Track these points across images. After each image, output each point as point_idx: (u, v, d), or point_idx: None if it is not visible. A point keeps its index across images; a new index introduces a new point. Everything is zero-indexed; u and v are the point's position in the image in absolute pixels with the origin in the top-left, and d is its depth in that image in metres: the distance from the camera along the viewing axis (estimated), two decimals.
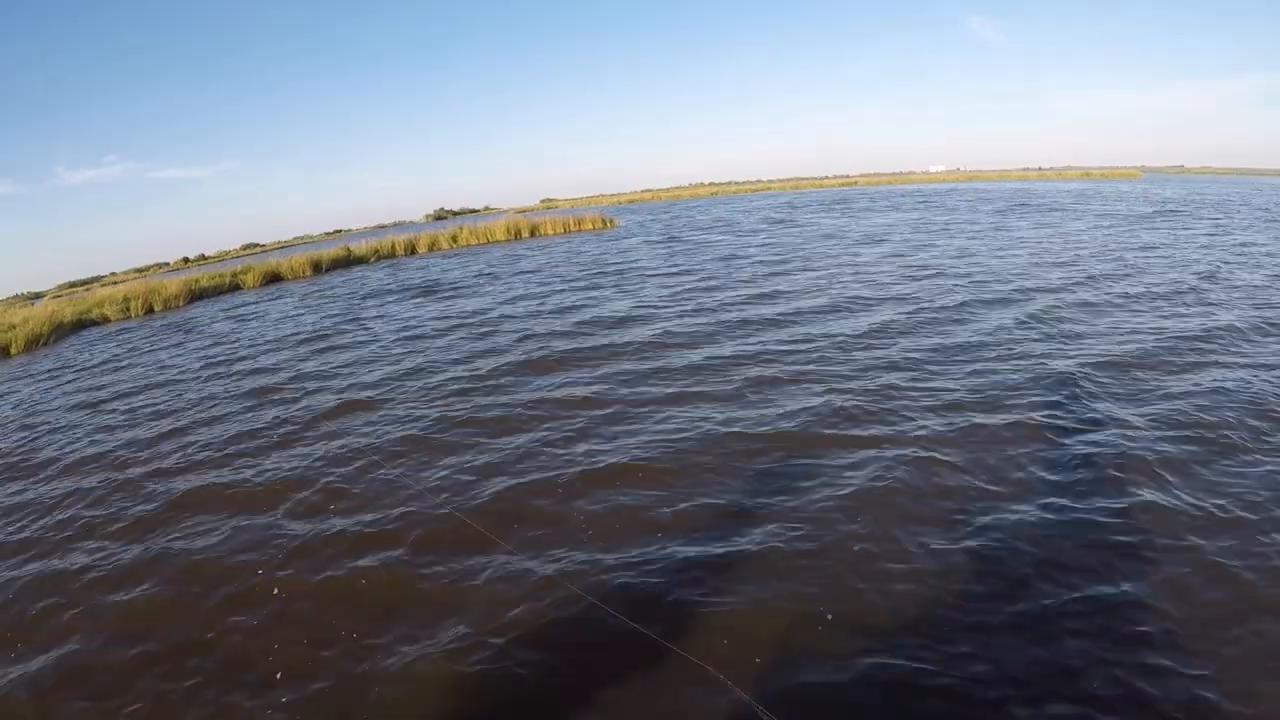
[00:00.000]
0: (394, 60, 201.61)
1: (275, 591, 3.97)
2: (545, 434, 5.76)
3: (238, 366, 10.17)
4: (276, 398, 8.08)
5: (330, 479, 5.39)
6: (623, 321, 9.61)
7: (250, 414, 7.59)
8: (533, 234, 31.03)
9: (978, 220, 21.16)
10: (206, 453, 6.51)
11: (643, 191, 75.92)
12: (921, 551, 3.61)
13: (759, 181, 72.46)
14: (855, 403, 5.68)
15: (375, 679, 3.15)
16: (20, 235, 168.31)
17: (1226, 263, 11.52)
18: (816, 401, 5.80)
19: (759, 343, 7.88)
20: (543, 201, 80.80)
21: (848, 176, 71.56)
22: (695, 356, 7.47)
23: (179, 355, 11.94)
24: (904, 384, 6.11)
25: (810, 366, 6.79)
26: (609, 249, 20.55)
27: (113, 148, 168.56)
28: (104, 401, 9.31)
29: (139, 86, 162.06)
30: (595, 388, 6.79)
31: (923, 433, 5.03)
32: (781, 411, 5.63)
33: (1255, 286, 9.50)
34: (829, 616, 3.19)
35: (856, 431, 5.18)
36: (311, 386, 8.34)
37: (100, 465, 6.66)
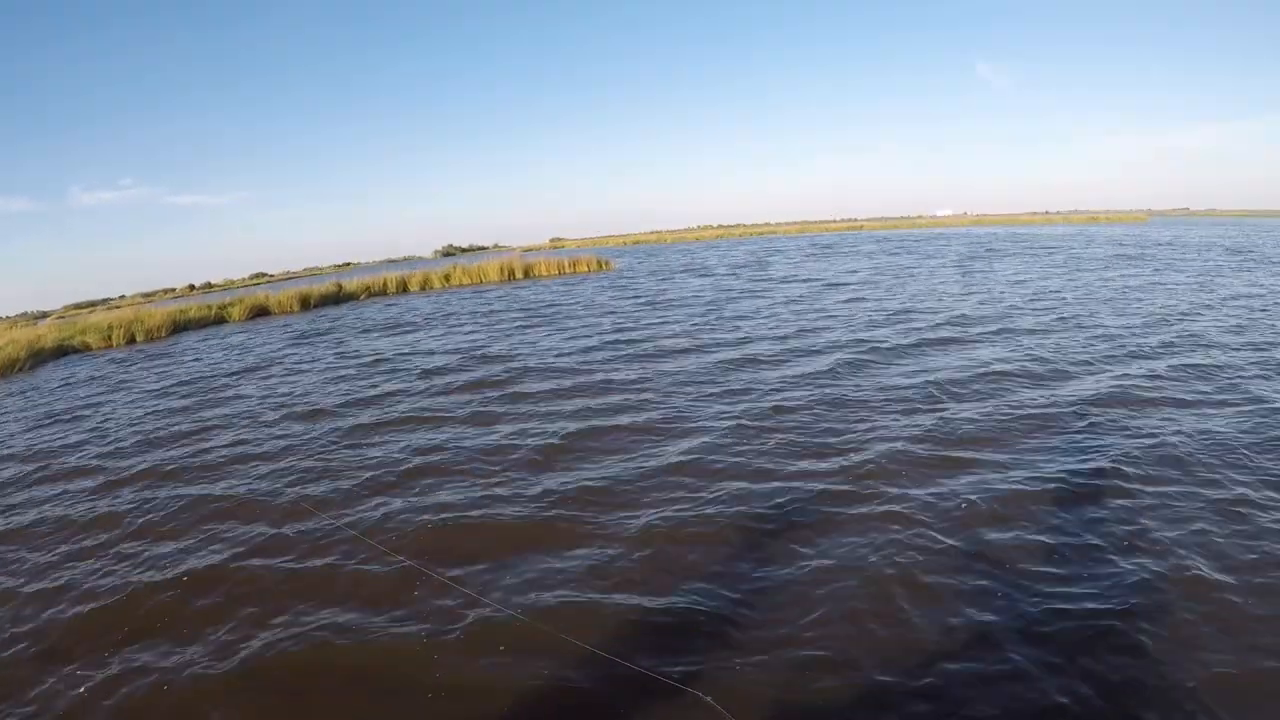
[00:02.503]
0: (405, 96, 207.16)
1: None
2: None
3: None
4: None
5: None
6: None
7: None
8: (526, 275, 31.86)
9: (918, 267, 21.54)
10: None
11: (650, 233, 77.39)
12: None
13: (766, 225, 73.32)
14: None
15: None
16: (34, 253, 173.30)
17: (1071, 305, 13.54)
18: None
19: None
20: (551, 241, 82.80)
21: (855, 220, 72.41)
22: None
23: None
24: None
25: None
26: (580, 293, 20.90)
27: (130, 171, 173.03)
28: None
29: (158, 112, 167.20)
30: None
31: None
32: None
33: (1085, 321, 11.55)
34: None
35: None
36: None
37: None
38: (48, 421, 11.07)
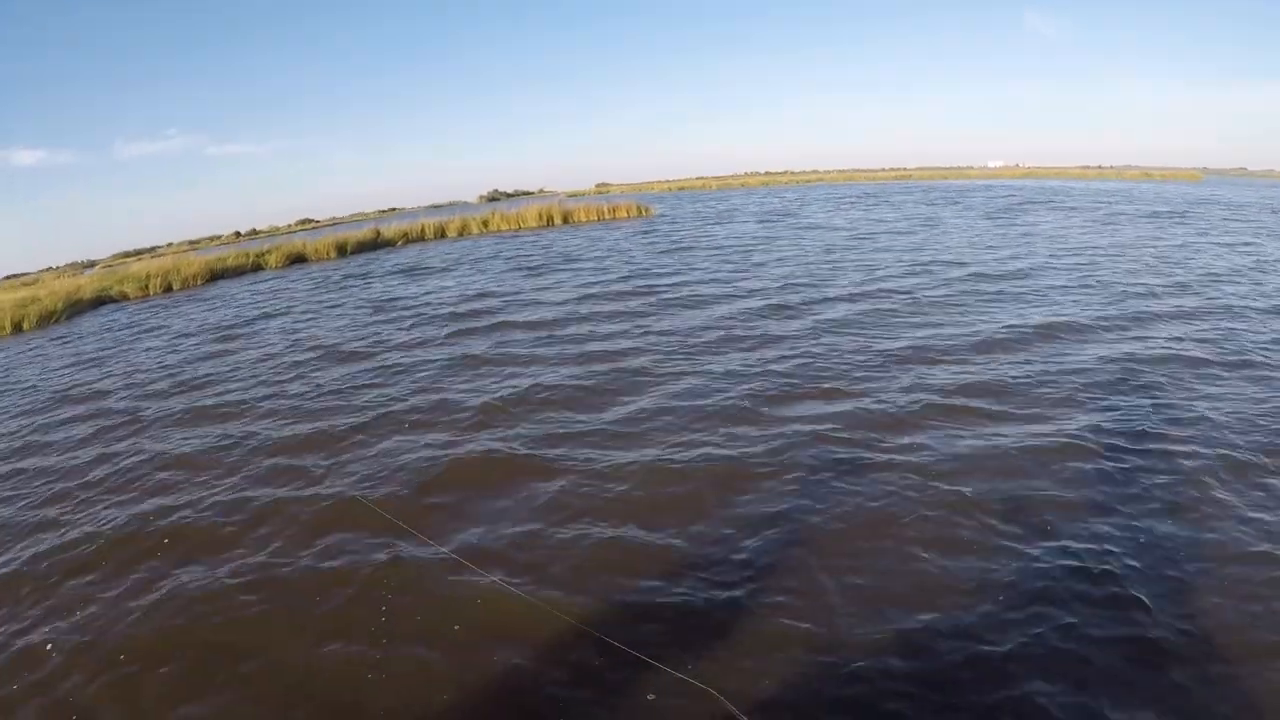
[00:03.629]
0: (450, 38, 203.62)
1: None
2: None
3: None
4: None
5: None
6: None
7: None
8: (565, 221, 31.41)
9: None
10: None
11: (696, 178, 75.65)
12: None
13: (814, 172, 71.36)
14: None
15: None
16: (82, 204, 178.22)
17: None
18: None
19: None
20: (597, 186, 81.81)
21: (904, 170, 70.08)
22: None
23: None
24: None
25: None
26: (614, 239, 20.63)
27: (174, 121, 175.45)
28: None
29: (201, 63, 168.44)
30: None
31: None
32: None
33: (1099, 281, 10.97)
34: None
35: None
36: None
37: None
38: (74, 367, 11.63)
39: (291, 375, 8.97)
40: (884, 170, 72.27)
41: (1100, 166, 64.68)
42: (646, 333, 9.12)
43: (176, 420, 7.72)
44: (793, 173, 75.37)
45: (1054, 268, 12.19)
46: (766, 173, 78.14)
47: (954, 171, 67.58)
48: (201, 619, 3.93)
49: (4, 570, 4.83)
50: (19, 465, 7.04)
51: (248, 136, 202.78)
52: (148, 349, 12.31)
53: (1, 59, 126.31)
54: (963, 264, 12.74)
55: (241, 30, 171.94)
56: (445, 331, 10.51)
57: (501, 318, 11.01)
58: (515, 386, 7.29)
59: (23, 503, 6.03)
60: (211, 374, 9.66)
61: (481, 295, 13.33)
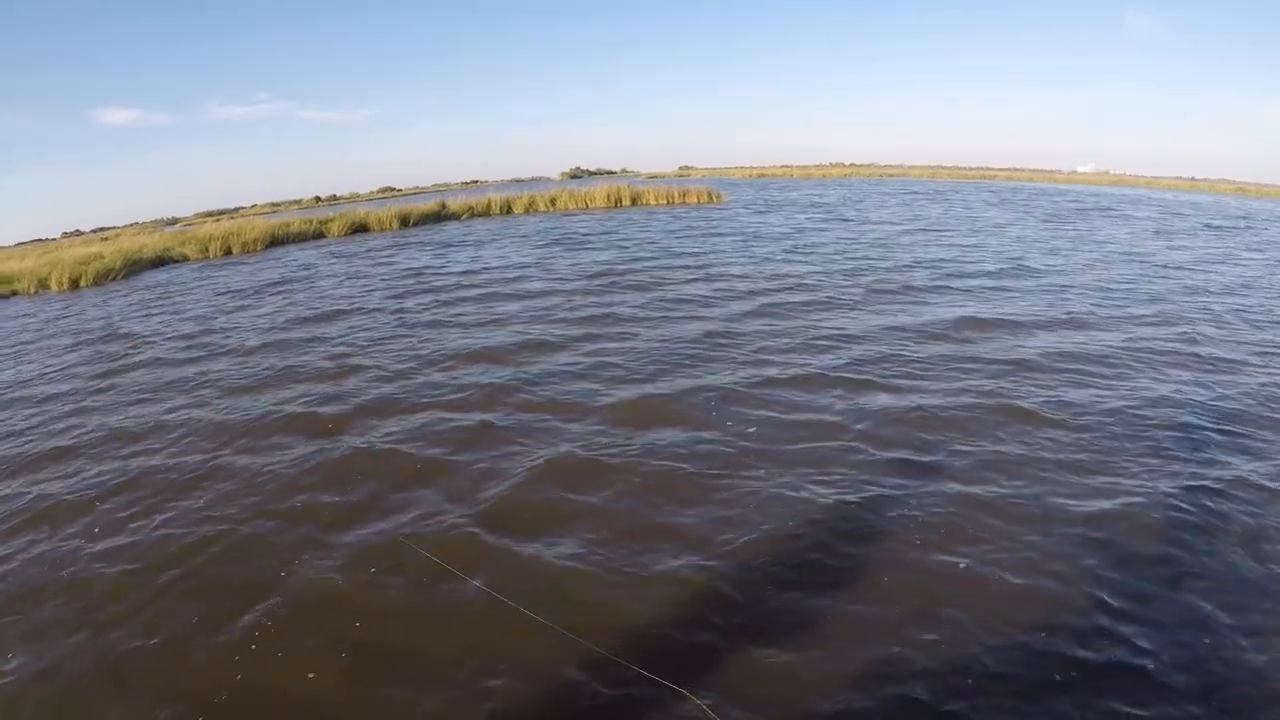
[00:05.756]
0: (537, 15, 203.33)
1: None
2: None
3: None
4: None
5: None
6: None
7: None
8: (634, 203, 31.21)
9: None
10: None
11: (779, 167, 74.28)
12: None
13: (898, 167, 69.31)
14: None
15: None
16: (171, 163, 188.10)
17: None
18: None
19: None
20: (679, 169, 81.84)
21: (989, 169, 67.38)
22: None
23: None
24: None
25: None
26: (654, 223, 20.36)
27: (265, 86, 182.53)
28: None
29: (293, 27, 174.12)
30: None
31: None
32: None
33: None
34: None
35: None
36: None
37: None
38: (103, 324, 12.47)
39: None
40: (969, 169, 69.48)
41: (1194, 178, 60.20)
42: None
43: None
44: (876, 166, 73.04)
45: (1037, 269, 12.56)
46: (851, 165, 75.92)
47: (1040, 174, 64.65)
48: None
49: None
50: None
51: (339, 103, 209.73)
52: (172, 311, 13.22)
53: (99, 20, 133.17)
54: (934, 262, 13.16)
55: None
56: (432, 300, 11.80)
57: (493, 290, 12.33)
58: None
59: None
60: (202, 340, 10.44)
61: (475, 271, 14.58)
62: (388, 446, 5.78)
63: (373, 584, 3.97)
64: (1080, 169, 69.40)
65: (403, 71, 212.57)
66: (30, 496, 5.53)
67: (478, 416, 6.27)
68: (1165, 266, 13.12)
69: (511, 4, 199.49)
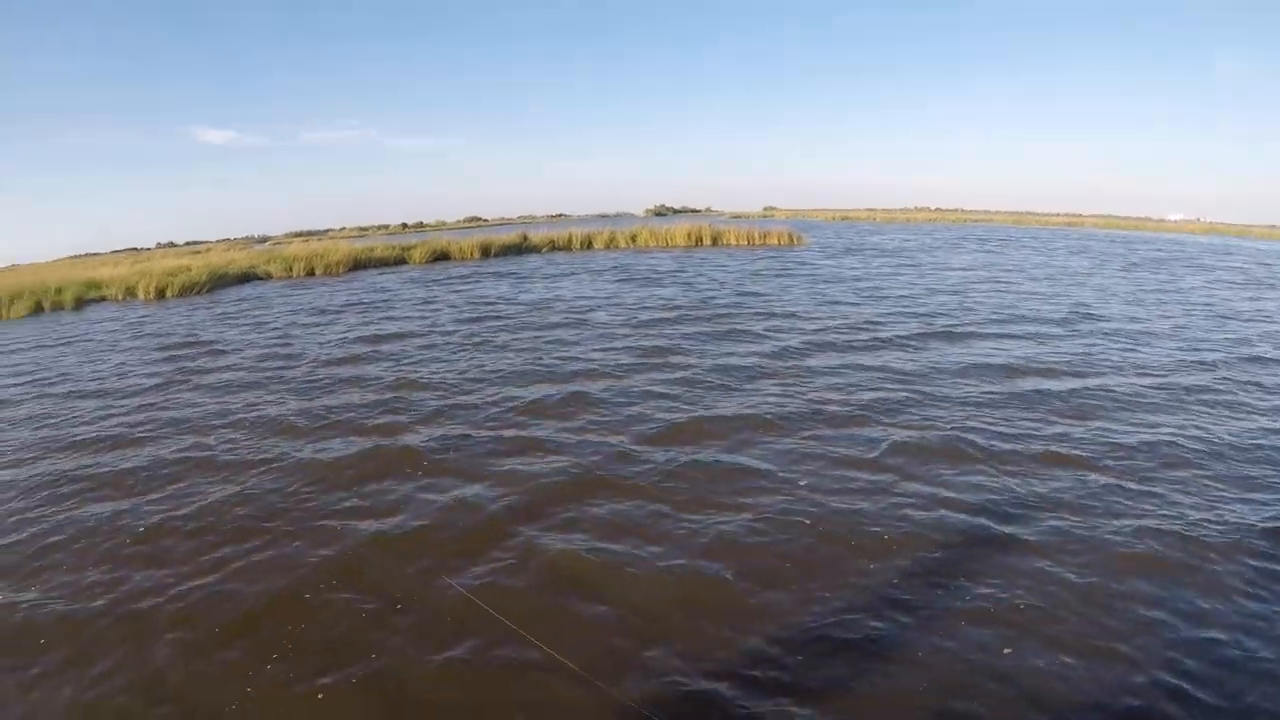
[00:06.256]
0: (628, 50, 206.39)
1: None
2: None
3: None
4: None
5: None
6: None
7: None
8: (714, 242, 30.94)
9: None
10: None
11: (864, 209, 73.56)
12: None
13: (985, 212, 68.46)
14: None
15: None
16: (264, 183, 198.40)
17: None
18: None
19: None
20: (764, 209, 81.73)
21: (1078, 215, 65.91)
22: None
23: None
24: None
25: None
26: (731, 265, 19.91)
27: (354, 112, 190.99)
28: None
29: (379, 53, 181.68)
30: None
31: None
32: None
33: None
34: None
35: None
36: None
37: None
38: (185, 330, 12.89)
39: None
40: (1056, 215, 67.85)
41: None
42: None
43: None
44: (963, 210, 71.84)
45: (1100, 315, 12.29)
46: (936, 209, 74.77)
47: (1129, 222, 62.88)
48: None
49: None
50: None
51: (429, 129, 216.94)
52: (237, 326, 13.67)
53: (197, 44, 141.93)
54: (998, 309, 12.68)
55: (427, 26, 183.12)
56: (499, 326, 11.78)
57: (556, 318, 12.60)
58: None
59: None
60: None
61: (547, 301, 14.85)
62: (430, 453, 6.09)
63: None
64: (1170, 216, 67.59)
65: (491, 102, 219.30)
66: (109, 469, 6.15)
67: (521, 433, 6.55)
68: (1234, 317, 12.37)
69: (602, 40, 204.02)
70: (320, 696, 3.24)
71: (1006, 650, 3.36)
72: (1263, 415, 6.80)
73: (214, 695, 3.30)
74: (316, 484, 5.58)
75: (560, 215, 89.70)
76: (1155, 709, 3.01)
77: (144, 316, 16.04)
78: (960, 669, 3.26)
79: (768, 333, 10.67)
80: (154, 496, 5.55)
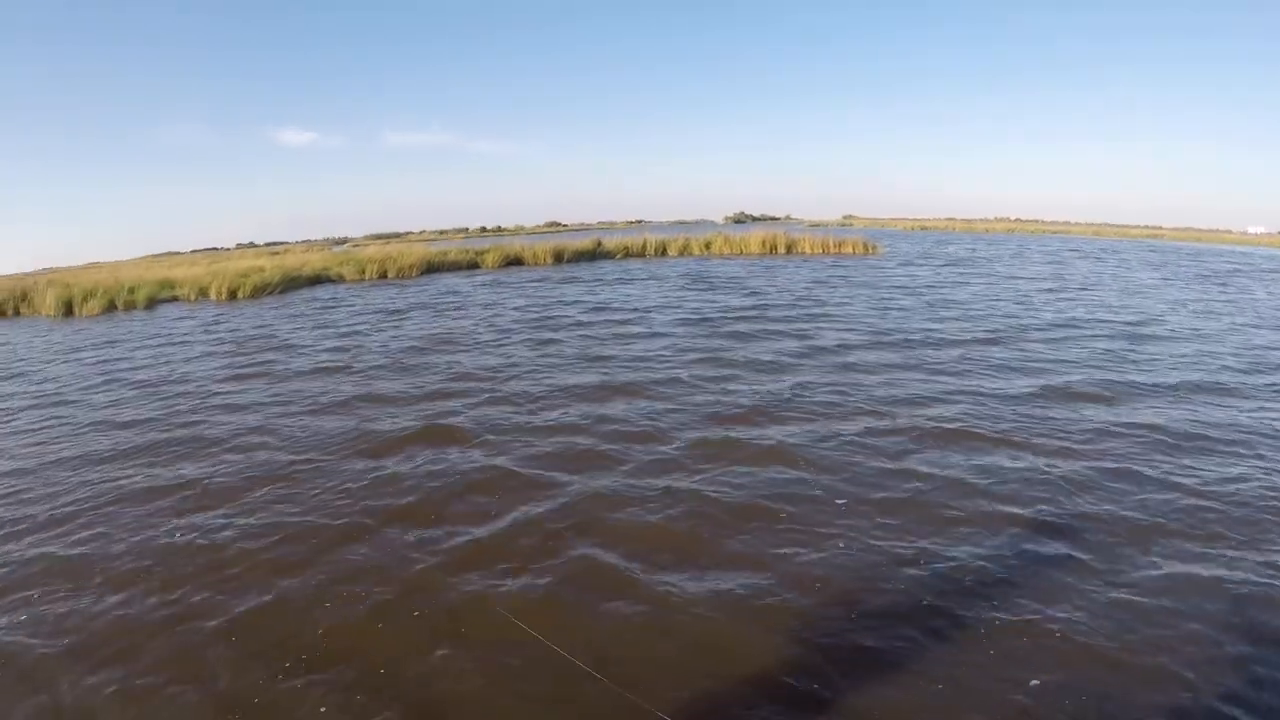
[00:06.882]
0: (705, 62, 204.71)
1: None
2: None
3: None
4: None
5: None
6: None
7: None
8: (789, 250, 30.14)
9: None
10: None
11: (944, 219, 71.59)
12: None
13: (1063, 223, 66.55)
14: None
15: None
16: (345, 185, 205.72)
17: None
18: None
19: None
20: (844, 218, 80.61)
21: (1158, 228, 63.17)
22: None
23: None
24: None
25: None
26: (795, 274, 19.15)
27: (436, 115, 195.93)
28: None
29: (468, 61, 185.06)
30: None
31: None
32: None
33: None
34: None
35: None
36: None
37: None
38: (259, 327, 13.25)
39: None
40: (1135, 227, 65.28)
41: None
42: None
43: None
44: (1042, 222, 69.54)
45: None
46: (1015, 219, 72.43)
47: (1210, 234, 59.75)
48: None
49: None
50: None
51: (509, 132, 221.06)
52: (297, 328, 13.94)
53: (281, 48, 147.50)
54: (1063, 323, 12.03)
55: (514, 31, 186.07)
56: (560, 326, 12.37)
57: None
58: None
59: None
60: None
61: (601, 308, 14.72)
62: (482, 456, 6.01)
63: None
64: (1251, 229, 64.18)
65: (576, 104, 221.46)
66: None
67: (570, 439, 6.40)
68: None
69: (684, 46, 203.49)
70: None
71: None
72: None
73: None
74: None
75: (639, 221, 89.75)
76: None
77: (218, 316, 16.47)
78: None
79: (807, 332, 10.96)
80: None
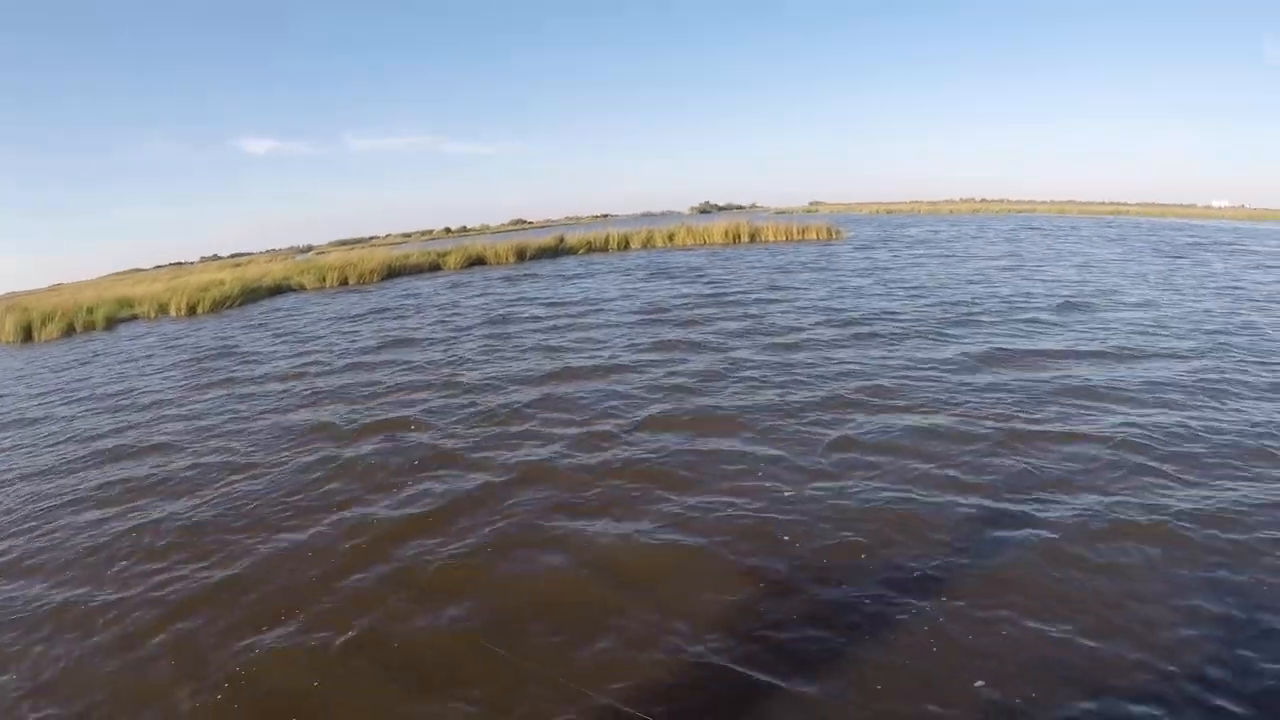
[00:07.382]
0: (673, 50, 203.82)
1: None
2: None
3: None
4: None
5: None
6: None
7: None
8: (752, 239, 30.44)
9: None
10: None
11: (907, 202, 72.84)
12: None
13: (1029, 202, 67.03)
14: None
15: None
16: (311, 193, 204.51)
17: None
18: None
19: None
20: (810, 204, 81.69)
21: (1122, 205, 64.02)
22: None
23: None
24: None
25: None
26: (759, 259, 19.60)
27: (402, 117, 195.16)
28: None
29: (432, 60, 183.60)
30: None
31: None
32: None
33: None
34: None
35: None
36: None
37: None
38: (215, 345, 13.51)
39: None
40: (1100, 204, 66.16)
41: None
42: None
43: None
44: (1008, 201, 70.38)
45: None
46: (981, 200, 73.19)
47: (1174, 209, 60.59)
48: None
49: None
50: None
51: (476, 134, 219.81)
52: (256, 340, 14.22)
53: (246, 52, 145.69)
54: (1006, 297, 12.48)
55: (479, 33, 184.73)
56: (519, 328, 11.84)
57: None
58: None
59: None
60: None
61: (571, 301, 15.19)
62: (433, 443, 6.46)
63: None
64: (1216, 203, 65.47)
65: (539, 104, 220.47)
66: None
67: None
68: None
69: (649, 39, 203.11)
70: None
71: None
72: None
73: None
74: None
75: (605, 215, 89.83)
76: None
77: (177, 333, 16.56)
78: None
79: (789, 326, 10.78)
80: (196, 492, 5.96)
